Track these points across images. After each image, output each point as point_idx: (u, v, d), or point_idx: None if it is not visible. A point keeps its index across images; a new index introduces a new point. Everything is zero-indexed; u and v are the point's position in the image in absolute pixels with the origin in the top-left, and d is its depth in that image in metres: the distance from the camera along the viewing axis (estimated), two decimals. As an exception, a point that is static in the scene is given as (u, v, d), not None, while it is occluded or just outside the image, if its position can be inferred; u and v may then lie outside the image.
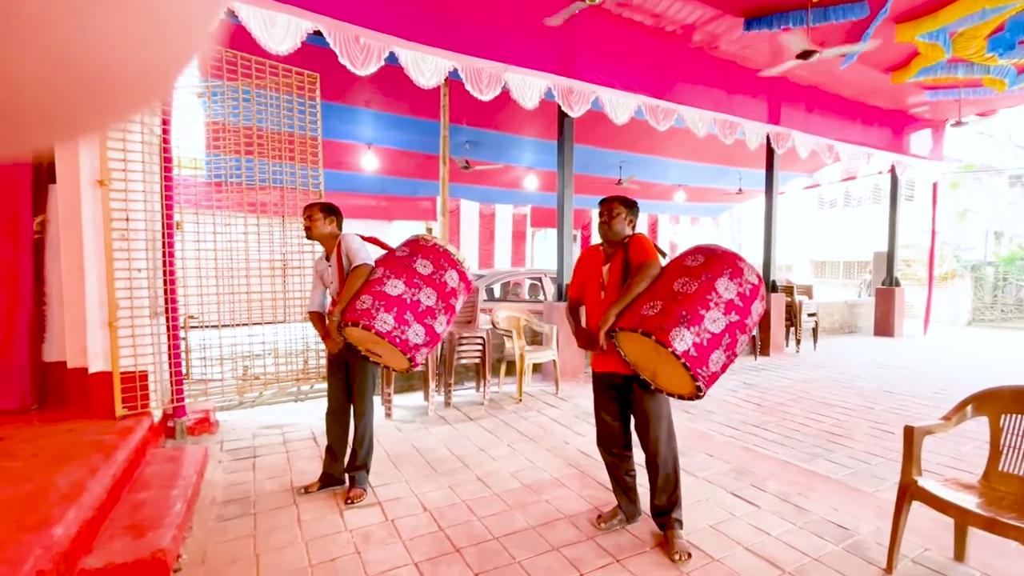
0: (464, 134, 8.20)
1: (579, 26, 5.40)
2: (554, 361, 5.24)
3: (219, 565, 2.25)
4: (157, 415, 3.45)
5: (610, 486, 2.66)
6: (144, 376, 3.30)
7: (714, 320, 2.02)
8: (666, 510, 2.44)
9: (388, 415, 4.32)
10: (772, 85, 7.05)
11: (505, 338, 5.18)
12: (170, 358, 3.59)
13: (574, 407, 4.75)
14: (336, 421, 2.99)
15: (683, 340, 1.97)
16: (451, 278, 2.70)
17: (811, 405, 4.86)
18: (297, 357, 4.76)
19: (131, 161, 3.23)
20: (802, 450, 3.71)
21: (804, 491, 3.00)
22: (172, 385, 3.58)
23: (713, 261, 2.15)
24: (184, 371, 3.81)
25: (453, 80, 5.21)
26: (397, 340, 2.51)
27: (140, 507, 2.55)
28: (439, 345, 4.64)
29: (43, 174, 3.33)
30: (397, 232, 11.93)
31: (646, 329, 2.03)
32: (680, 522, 2.44)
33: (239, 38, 3.93)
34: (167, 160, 3.53)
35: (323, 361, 4.38)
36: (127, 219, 3.22)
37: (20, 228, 3.25)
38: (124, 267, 3.22)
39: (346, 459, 2.97)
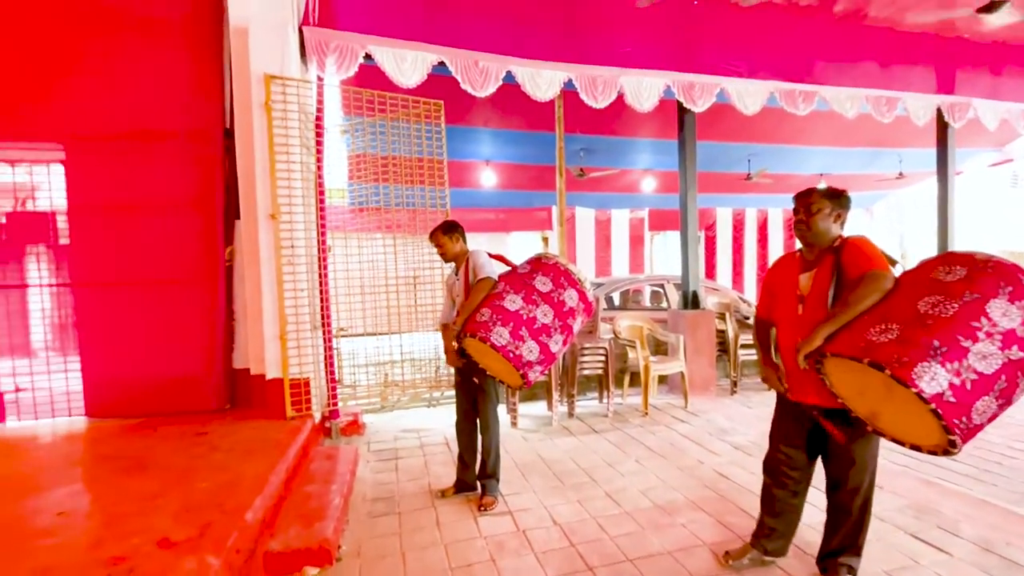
0: (579, 142, 8.18)
1: (698, 16, 5.10)
2: (682, 373, 4.94)
3: (372, 559, 2.47)
4: (317, 417, 3.92)
5: (756, 515, 2.40)
6: (307, 382, 3.78)
7: (984, 356, 1.56)
8: (837, 552, 2.12)
9: (514, 424, 4.42)
10: (941, 48, 5.97)
11: (628, 348, 5.02)
12: (326, 366, 4.07)
13: (707, 423, 4.43)
14: (464, 431, 3.14)
15: (934, 379, 1.53)
16: (570, 297, 2.68)
17: (1019, 433, 3.96)
18: (429, 364, 5.11)
19: (294, 197, 3.74)
20: (1007, 488, 3.03)
21: (1015, 540, 2.44)
22: (328, 390, 4.04)
23: (981, 275, 1.64)
24: (337, 378, 4.28)
25: (567, 90, 5.23)
26: (511, 355, 2.55)
27: (307, 499, 2.90)
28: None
29: (231, 211, 3.99)
30: (515, 243, 12.27)
31: (876, 360, 1.60)
32: (851, 568, 2.11)
33: (374, 77, 4.36)
34: (321, 193, 4.03)
35: (452, 369, 4.64)
36: (292, 246, 3.72)
37: (216, 258, 3.93)
38: (291, 287, 3.73)
39: (477, 467, 3.09)
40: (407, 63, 4.31)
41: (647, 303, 7.78)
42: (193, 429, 3.48)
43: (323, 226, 4.06)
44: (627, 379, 5.24)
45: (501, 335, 2.50)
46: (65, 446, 3.34)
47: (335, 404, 4.08)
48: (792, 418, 2.16)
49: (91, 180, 3.79)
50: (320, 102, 4.16)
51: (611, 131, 7.93)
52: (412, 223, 4.89)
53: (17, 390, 3.86)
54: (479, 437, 3.08)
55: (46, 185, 3.98)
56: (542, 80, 4.77)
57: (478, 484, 3.08)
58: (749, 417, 4.58)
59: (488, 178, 8.83)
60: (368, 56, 4.22)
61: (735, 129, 7.50)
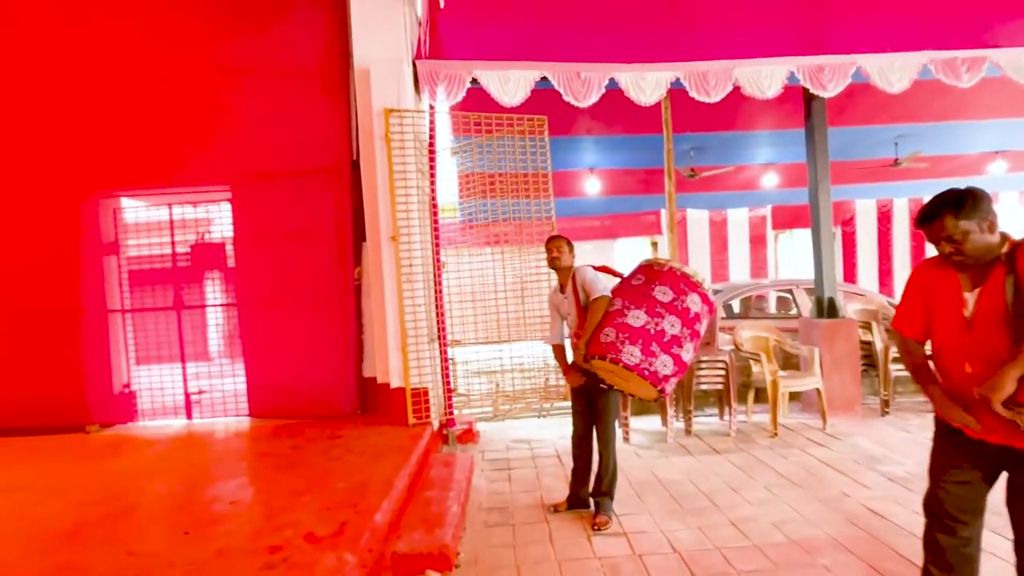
0: (688, 141, 7.76)
1: (827, -8, 4.58)
2: (818, 390, 4.42)
3: (488, 569, 2.54)
4: (435, 424, 4.15)
5: (919, 563, 2.03)
6: (426, 392, 4.03)
7: None
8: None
9: (626, 439, 4.29)
10: None
11: (751, 361, 4.62)
12: (443, 376, 4.30)
13: (851, 448, 3.90)
14: (580, 447, 3.11)
15: None
16: (693, 302, 2.55)
17: None
18: (539, 375, 5.16)
19: (412, 219, 4.03)
20: None
21: None
22: (446, 400, 4.26)
23: None
24: (452, 387, 4.50)
25: (673, 89, 5.00)
26: (646, 372, 2.48)
27: (428, 504, 3.08)
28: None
29: (358, 235, 4.42)
30: (621, 249, 11.98)
31: None
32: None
33: (479, 99, 4.56)
34: (435, 214, 4.29)
35: (563, 380, 4.64)
36: (411, 265, 4.01)
37: (347, 277, 4.38)
38: (410, 303, 4.01)
39: (591, 484, 3.04)
40: (510, 83, 4.44)
41: (772, 310, 7.10)
42: (331, 432, 3.89)
43: (437, 244, 4.32)
44: (751, 395, 4.81)
45: (632, 354, 2.46)
46: (234, 442, 3.93)
47: (451, 412, 4.29)
48: (965, 454, 1.80)
49: (251, 213, 4.44)
50: (432, 128, 4.45)
51: (724, 126, 7.40)
52: (518, 235, 5.00)
53: (200, 392, 4.63)
54: (595, 452, 3.04)
55: (218, 219, 4.76)
56: (646, 83, 4.61)
57: (591, 501, 3.03)
58: (905, 443, 3.95)
59: (592, 186, 8.74)
60: (474, 80, 4.43)
61: (875, 110, 6.58)
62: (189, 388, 4.59)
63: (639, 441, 4.30)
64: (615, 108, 5.33)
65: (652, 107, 5.02)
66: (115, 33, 4.40)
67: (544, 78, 4.51)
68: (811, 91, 4.72)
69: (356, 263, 4.42)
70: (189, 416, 4.54)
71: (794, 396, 4.99)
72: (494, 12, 4.66)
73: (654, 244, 11.52)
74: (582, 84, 4.52)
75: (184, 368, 4.57)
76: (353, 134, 4.42)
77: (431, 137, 4.41)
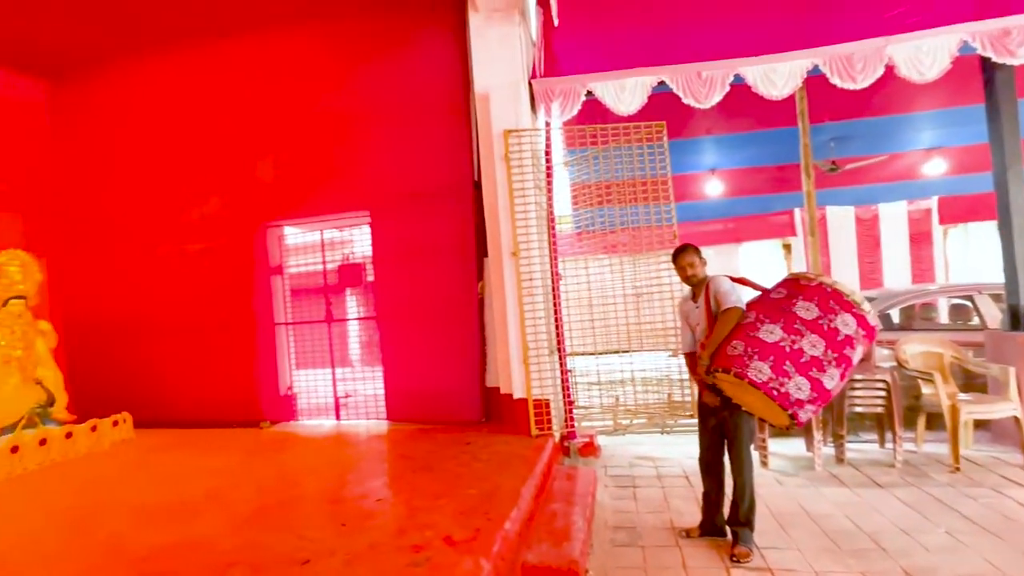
0: (827, 132, 6.99)
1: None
2: (1016, 418, 3.65)
3: (619, 590, 2.48)
4: (556, 436, 4.18)
5: None
6: (547, 403, 4.08)
7: None
8: None
9: (764, 463, 3.93)
10: None
11: (921, 381, 3.97)
12: (563, 388, 4.33)
13: (1068, 492, 3.16)
14: (709, 469, 2.92)
15: None
16: (844, 323, 2.27)
17: None
18: (661, 388, 4.95)
19: (531, 234, 4.14)
20: None
21: None
22: (567, 412, 4.27)
23: None
24: (573, 398, 4.50)
25: (809, 77, 4.53)
26: (774, 392, 2.27)
27: (554, 517, 3.10)
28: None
29: (480, 251, 4.65)
30: (748, 254, 11.08)
31: None
32: None
33: (594, 110, 4.56)
34: (552, 228, 4.36)
35: (688, 393, 4.40)
36: (530, 279, 4.12)
37: (471, 291, 4.62)
38: (530, 315, 4.11)
39: (726, 510, 2.84)
40: (626, 92, 4.38)
41: (944, 321, 6.04)
42: (460, 438, 4.11)
43: (555, 257, 4.38)
44: (922, 421, 4.13)
45: (760, 370, 2.27)
46: (376, 443, 4.33)
47: (572, 425, 4.29)
48: None
49: (386, 234, 4.90)
50: (548, 144, 4.54)
51: (872, 111, 6.53)
52: (634, 242, 4.88)
53: (346, 396, 5.19)
54: (727, 476, 2.83)
55: (359, 240, 5.33)
56: (778, 76, 4.25)
57: (727, 530, 2.82)
58: None
59: (714, 187, 8.23)
60: (589, 93, 4.44)
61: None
62: (338, 392, 5.17)
63: (780, 467, 3.91)
64: (740, 104, 4.98)
65: (781, 100, 4.61)
66: (273, 91, 5.18)
67: (661, 82, 4.39)
68: (994, 60, 3.98)
69: (479, 278, 4.65)
70: (338, 417, 5.11)
71: (980, 424, 4.18)
72: (608, 24, 4.65)
73: (786, 247, 10.47)
74: (703, 84, 4.31)
75: (334, 374, 5.17)
76: (474, 156, 4.67)
77: (547, 153, 4.50)
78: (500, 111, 4.27)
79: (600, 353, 4.94)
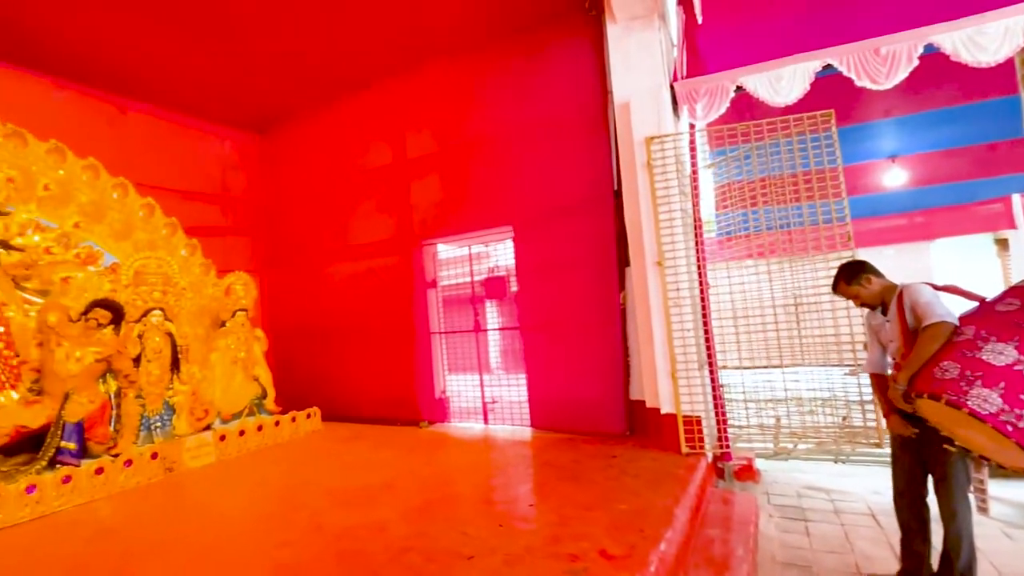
0: (1061, 96, 5.54)
1: None
2: None
3: (795, 634, 2.24)
4: (709, 456, 3.92)
5: None
6: (699, 420, 3.85)
7: None
8: None
9: (983, 509, 3.23)
10: None
11: None
12: (715, 405, 4.05)
13: None
14: (908, 507, 2.49)
15: None
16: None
17: None
18: (833, 409, 4.36)
19: (676, 243, 3.98)
20: None
21: None
22: (720, 431, 3.99)
23: None
24: (727, 416, 4.19)
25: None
26: (1009, 428, 1.85)
27: (711, 543, 2.91)
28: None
29: (621, 261, 4.59)
30: (941, 254, 9.25)
31: None
32: None
33: (739, 107, 4.23)
34: (699, 235, 4.14)
35: (870, 417, 3.81)
36: (677, 289, 3.95)
37: (613, 302, 4.58)
38: (678, 327, 3.94)
39: (936, 564, 2.39)
40: (783, 81, 3.99)
41: None
42: (605, 451, 4.08)
43: (702, 266, 4.14)
44: None
45: (986, 399, 1.88)
46: (522, 449, 4.48)
47: (727, 445, 3.99)
48: None
49: (529, 247, 5.10)
50: (693, 147, 4.34)
51: None
52: (792, 244, 4.39)
53: (493, 401, 5.48)
54: (933, 521, 2.39)
55: (503, 255, 5.62)
56: (987, 38, 3.51)
57: (936, 585, 2.38)
58: None
59: (894, 177, 7.05)
60: (738, 88, 4.15)
61: None
62: (485, 397, 5.49)
63: (1006, 515, 3.18)
64: (931, 77, 4.23)
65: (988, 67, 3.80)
66: (424, 122, 5.73)
67: (827, 66, 3.92)
68: None
69: (620, 288, 4.59)
70: (486, 421, 5.42)
71: None
72: (759, 12, 4.30)
73: (1000, 243, 8.52)
74: (883, 61, 3.75)
75: (481, 380, 5.50)
76: (614, 165, 4.65)
77: (692, 156, 4.29)
78: (641, 118, 4.19)
79: (757, 368, 4.53)
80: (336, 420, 6.00)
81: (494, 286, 5.63)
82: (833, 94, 4.14)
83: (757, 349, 4.31)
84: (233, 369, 5.32)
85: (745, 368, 4.50)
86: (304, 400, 6.03)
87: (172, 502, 3.69)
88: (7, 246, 4.14)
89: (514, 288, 5.44)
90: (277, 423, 5.24)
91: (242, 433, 4.88)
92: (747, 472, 4.04)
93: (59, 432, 3.86)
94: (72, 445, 3.90)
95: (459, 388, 5.80)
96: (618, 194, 4.59)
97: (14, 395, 3.93)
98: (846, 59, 3.83)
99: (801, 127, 4.01)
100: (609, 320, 4.59)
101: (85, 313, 4.18)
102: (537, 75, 5.10)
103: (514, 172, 5.19)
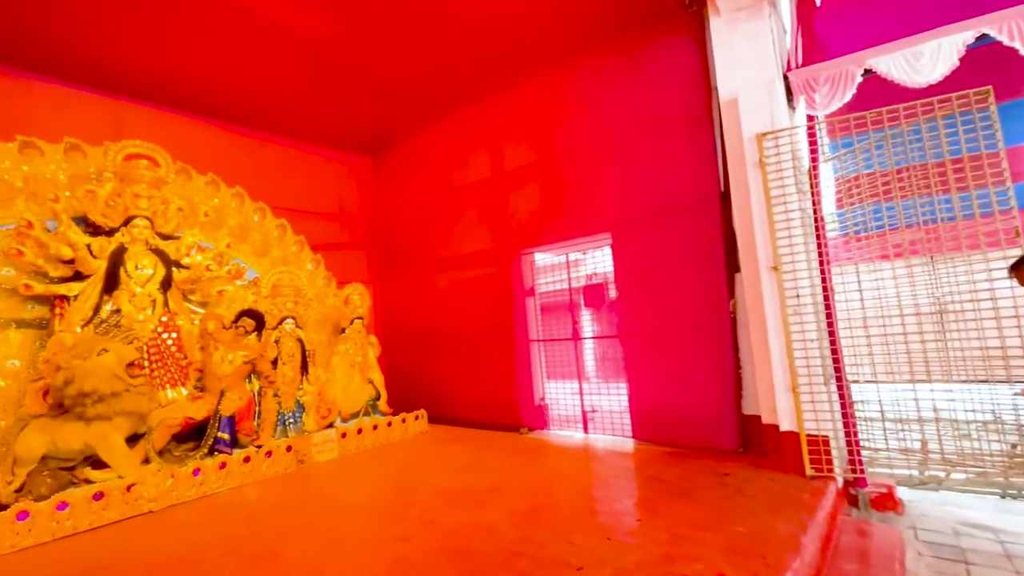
0: None
1: None
2: None
3: None
4: (839, 481, 3.54)
5: None
6: (826, 441, 3.50)
7: None
8: None
9: None
10: None
11: None
12: (845, 423, 3.65)
13: None
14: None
15: None
16: None
17: None
18: (999, 433, 3.71)
19: (795, 245, 3.66)
20: None
21: None
22: (852, 453, 3.58)
23: None
24: (860, 437, 3.75)
25: None
26: None
27: (848, 578, 2.62)
28: None
29: (730, 266, 4.32)
30: None
31: None
32: None
33: (867, 92, 3.79)
34: (821, 236, 3.77)
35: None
36: (797, 296, 3.63)
37: (721, 309, 4.32)
38: (799, 337, 3.61)
39: None
40: (924, 58, 3.53)
41: None
42: (716, 467, 3.84)
43: (827, 270, 3.76)
44: None
45: None
46: (625, 461, 4.37)
47: (860, 469, 3.56)
48: None
49: (628, 253, 4.99)
50: (813, 140, 3.98)
51: None
52: (939, 241, 3.83)
53: (592, 410, 5.42)
54: None
55: (600, 262, 5.56)
56: None
57: None
58: None
59: (1076, 157, 5.86)
60: (867, 71, 3.74)
61: None
62: (584, 406, 5.44)
63: None
64: None
65: None
66: (522, 133, 5.85)
67: (980, 36, 3.39)
68: None
69: (730, 295, 4.32)
70: (586, 430, 5.37)
71: None
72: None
73: None
74: (1059, 23, 3.16)
75: (581, 388, 5.46)
76: (720, 165, 4.41)
77: (812, 151, 3.94)
78: (750, 114, 3.93)
79: (898, 383, 4.01)
80: (438, 422, 6.30)
81: (592, 293, 5.58)
82: (985, 68, 3.57)
83: (898, 362, 3.81)
84: (351, 372, 5.81)
85: (882, 383, 4.00)
86: (411, 402, 6.41)
87: (304, 491, 4.10)
88: (178, 265, 4.91)
89: (613, 295, 5.35)
90: (389, 423, 5.63)
91: (360, 431, 5.31)
92: (887, 501, 3.57)
93: (216, 424, 4.48)
94: (226, 436, 4.50)
95: (557, 395, 5.81)
96: (725, 195, 4.34)
97: (183, 391, 4.64)
98: (1008, 26, 3.29)
99: (948, 108, 3.51)
100: (718, 329, 4.34)
101: (235, 321, 4.82)
102: (635, 77, 5.00)
103: (612, 177, 5.13)
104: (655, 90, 4.85)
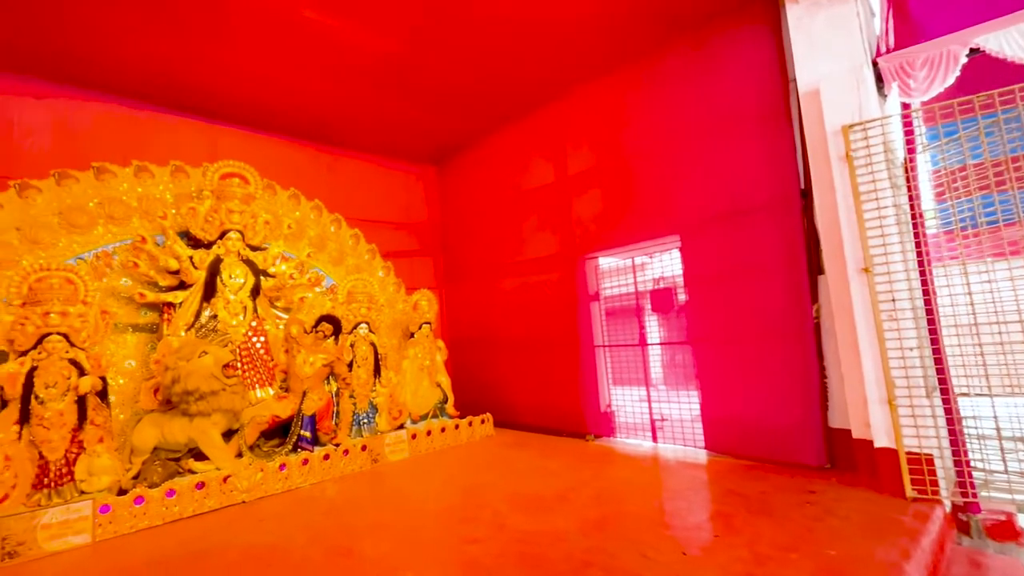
0: None
1: None
2: None
3: None
4: (947, 505, 3.19)
5: None
6: (930, 460, 3.17)
7: None
8: None
9: None
10: None
11: None
12: (953, 440, 3.29)
13: None
14: None
15: None
16: None
17: None
18: None
19: (889, 245, 3.37)
20: None
21: None
22: (962, 473, 3.23)
23: None
24: (971, 456, 3.37)
25: None
26: None
27: (961, 614, 2.36)
28: None
29: (812, 268, 4.04)
30: None
31: None
32: None
33: (978, 72, 3.42)
34: (921, 236, 3.44)
35: None
36: (893, 300, 3.33)
37: (803, 314, 4.05)
38: (895, 345, 3.31)
39: None
40: (1045, 32, 3.13)
41: None
42: (799, 484, 3.60)
43: (927, 270, 3.42)
44: None
45: None
46: (699, 473, 4.20)
47: (973, 492, 3.20)
48: None
49: (698, 256, 4.81)
50: (908, 130, 3.64)
51: None
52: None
53: (662, 419, 5.25)
54: None
55: (668, 265, 5.39)
56: None
57: None
58: None
59: None
60: (973, 50, 3.38)
61: None
62: (653, 414, 5.28)
63: None
64: None
65: None
66: (586, 136, 5.80)
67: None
68: None
69: (813, 299, 4.04)
70: (655, 439, 5.21)
71: None
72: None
73: None
74: None
75: (649, 396, 5.31)
76: (799, 160, 4.15)
77: (908, 142, 3.61)
78: (834, 104, 3.67)
79: (1017, 396, 3.56)
80: (503, 426, 6.36)
81: (660, 298, 5.42)
82: None
83: (1017, 373, 3.39)
84: (420, 375, 6.00)
85: (998, 396, 3.57)
86: (476, 406, 6.52)
87: (378, 489, 4.28)
88: (265, 274, 5.31)
89: (681, 299, 5.17)
90: (456, 426, 5.75)
91: (428, 433, 5.46)
92: (1007, 530, 3.18)
93: (299, 422, 4.78)
94: (308, 434, 4.79)
95: (623, 402, 5.68)
96: (806, 193, 4.07)
97: (270, 391, 5.00)
98: None
99: (1077, 86, 3.09)
100: (799, 335, 4.07)
101: (315, 326, 5.13)
102: (705, 73, 4.81)
103: (681, 178, 4.96)
104: (727, 85, 4.65)
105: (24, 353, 3.77)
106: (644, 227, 5.26)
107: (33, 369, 3.74)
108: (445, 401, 6.06)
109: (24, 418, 3.67)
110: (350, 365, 5.34)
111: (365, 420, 5.33)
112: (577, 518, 3.27)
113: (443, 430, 5.60)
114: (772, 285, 4.26)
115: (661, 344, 6.07)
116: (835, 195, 3.62)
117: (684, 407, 5.12)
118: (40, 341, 3.80)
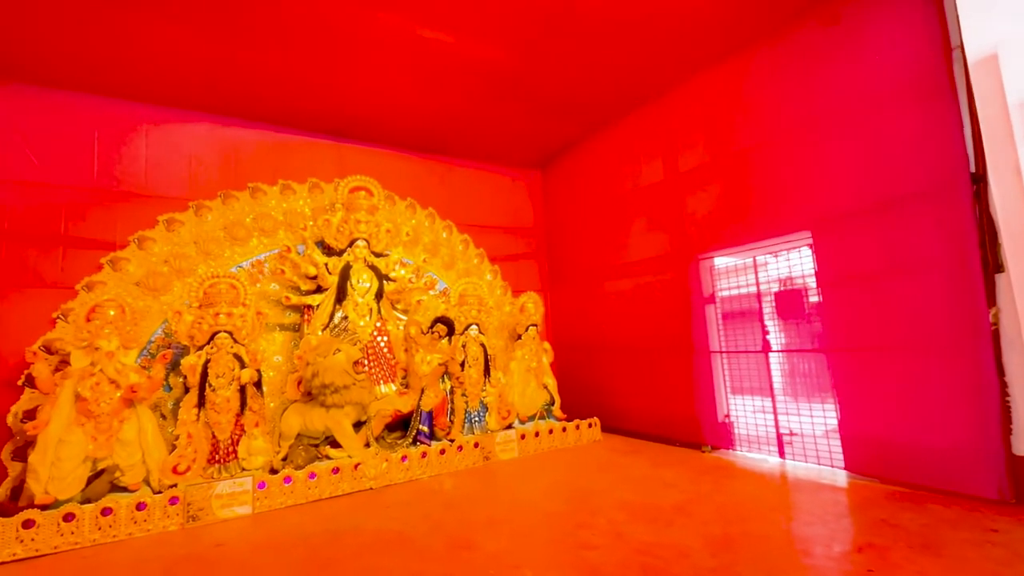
0: None
1: None
2: None
3: None
4: None
5: None
6: None
7: None
8: None
9: None
10: None
11: None
12: None
13: None
14: None
15: None
16: None
17: None
18: None
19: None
20: None
21: None
22: None
23: None
24: None
25: None
26: None
27: None
28: None
29: (989, 266, 3.43)
30: None
31: None
32: None
33: None
34: None
35: None
36: (1109, 303, 2.71)
37: (975, 320, 3.45)
38: (1112, 360, 2.69)
39: None
40: None
41: None
42: (976, 519, 3.07)
43: None
44: None
45: None
46: (834, 495, 3.76)
47: None
48: None
49: (835, 254, 4.31)
50: None
51: None
52: None
53: (791, 434, 4.79)
54: None
55: (796, 265, 4.91)
56: None
57: None
58: None
59: None
60: None
61: None
62: (780, 427, 4.83)
63: None
64: None
65: None
66: (699, 131, 5.48)
67: None
68: None
69: (989, 303, 3.43)
70: (781, 455, 4.76)
71: None
72: None
73: None
74: None
75: (775, 407, 4.87)
76: (969, 140, 3.55)
77: None
78: (1018, 73, 3.08)
79: None
80: (610, 432, 6.22)
81: (787, 301, 4.95)
82: None
83: None
84: (527, 377, 6.09)
85: None
86: (582, 409, 6.46)
87: (491, 486, 4.41)
88: (387, 278, 5.75)
89: (813, 302, 4.67)
90: (564, 429, 5.75)
91: (537, 434, 5.52)
92: None
93: (418, 417, 5.10)
94: (426, 428, 5.09)
95: (742, 413, 5.27)
96: (978, 178, 3.47)
97: (393, 387, 5.39)
98: None
99: None
100: (970, 344, 3.47)
101: (431, 327, 5.43)
102: (838, 48, 4.32)
103: (812, 168, 4.49)
104: (869, 60, 4.12)
105: (200, 348, 4.45)
106: (767, 223, 4.85)
107: (207, 361, 4.40)
108: (552, 403, 6.08)
109: (200, 403, 4.33)
110: (462, 365, 5.58)
111: (476, 418, 5.53)
112: (699, 534, 3.09)
113: (551, 432, 5.63)
114: (931, 285, 3.68)
115: (787, 351, 5.53)
116: (1021, 180, 3.04)
117: (816, 421, 4.62)
118: (212, 337, 4.47)
